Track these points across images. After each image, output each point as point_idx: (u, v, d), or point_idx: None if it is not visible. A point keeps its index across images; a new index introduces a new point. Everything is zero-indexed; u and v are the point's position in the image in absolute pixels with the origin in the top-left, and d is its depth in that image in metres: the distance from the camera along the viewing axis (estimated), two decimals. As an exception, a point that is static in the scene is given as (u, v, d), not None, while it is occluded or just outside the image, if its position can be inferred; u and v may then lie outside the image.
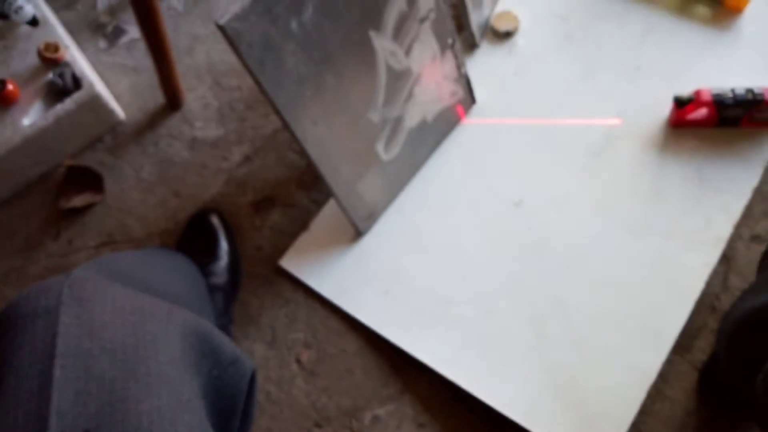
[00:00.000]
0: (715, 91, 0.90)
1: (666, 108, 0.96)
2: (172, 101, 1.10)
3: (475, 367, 0.84)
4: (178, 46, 1.17)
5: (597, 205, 0.92)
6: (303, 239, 0.96)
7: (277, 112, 0.72)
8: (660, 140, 0.95)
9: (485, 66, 1.05)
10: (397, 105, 0.88)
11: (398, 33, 0.82)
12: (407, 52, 0.85)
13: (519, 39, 1.07)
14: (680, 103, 0.92)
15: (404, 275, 0.91)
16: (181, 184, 1.04)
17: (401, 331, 0.87)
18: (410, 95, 0.89)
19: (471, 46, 1.07)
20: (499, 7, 1.10)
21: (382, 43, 0.80)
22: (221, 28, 0.62)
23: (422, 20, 0.84)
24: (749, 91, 0.89)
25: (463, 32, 1.06)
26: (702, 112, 0.92)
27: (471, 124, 1.02)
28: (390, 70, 0.83)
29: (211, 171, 1.04)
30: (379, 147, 0.89)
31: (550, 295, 0.87)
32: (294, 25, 0.69)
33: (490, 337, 0.85)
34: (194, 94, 1.12)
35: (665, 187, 0.91)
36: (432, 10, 0.85)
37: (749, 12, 1.03)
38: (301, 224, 0.97)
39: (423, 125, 0.94)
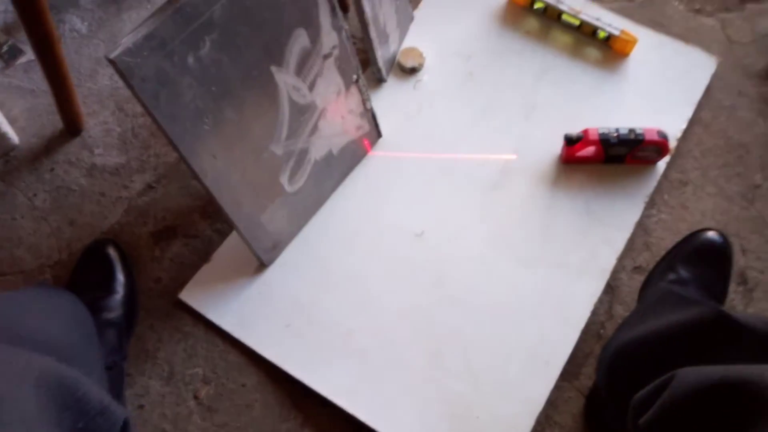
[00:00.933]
0: (602, 131, 0.97)
1: (558, 145, 1.02)
2: (71, 126, 1.06)
3: (375, 399, 0.85)
4: (80, 69, 1.13)
5: (492, 237, 0.96)
6: (204, 271, 0.94)
7: (174, 146, 0.72)
8: (552, 176, 1.00)
9: (391, 100, 1.08)
10: (302, 138, 0.89)
11: (301, 68, 0.83)
12: (311, 87, 0.86)
13: (424, 75, 1.11)
14: (570, 141, 0.98)
15: (306, 307, 0.91)
16: (77, 213, 1.00)
17: (302, 364, 0.87)
18: (315, 129, 0.90)
19: (378, 80, 1.10)
20: (406, 43, 1.13)
21: (285, 78, 0.81)
22: (112, 62, 0.61)
23: (326, 57, 0.86)
24: (632, 131, 0.97)
25: (370, 67, 1.08)
26: (590, 150, 0.99)
27: (377, 156, 1.04)
28: (293, 104, 0.84)
29: (110, 199, 1.01)
30: (284, 179, 0.89)
31: (448, 326, 0.89)
32: (191, 60, 0.68)
33: (389, 369, 0.87)
34: (96, 120, 1.08)
35: (555, 220, 0.96)
36: (336, 46, 0.87)
37: (635, 56, 1.12)
38: (203, 255, 0.96)
39: (329, 158, 0.96)
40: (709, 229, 0.90)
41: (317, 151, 0.93)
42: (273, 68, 0.79)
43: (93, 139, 1.06)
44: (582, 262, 0.93)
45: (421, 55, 1.11)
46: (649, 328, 0.74)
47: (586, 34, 1.13)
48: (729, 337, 0.64)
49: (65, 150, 1.05)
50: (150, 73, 0.65)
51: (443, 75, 1.11)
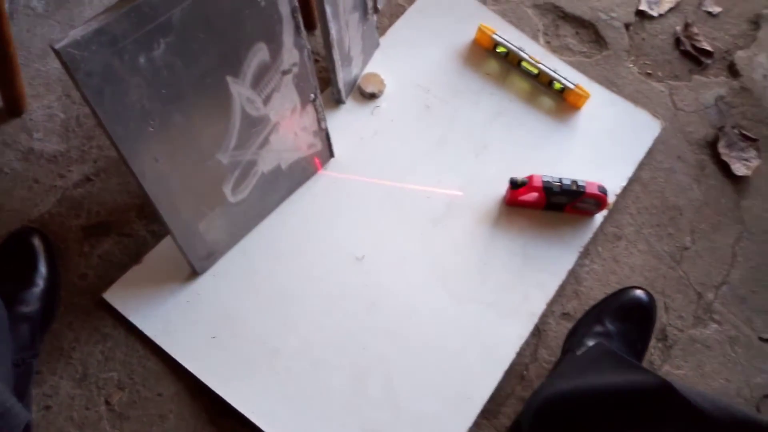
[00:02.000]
0: (546, 179, 1.00)
1: (503, 186, 1.04)
2: (12, 106, 1.02)
3: (295, 421, 0.84)
4: (30, 48, 1.09)
5: (430, 270, 0.97)
6: (133, 272, 0.92)
7: (114, 145, 0.70)
8: (494, 216, 1.02)
9: (348, 123, 1.09)
10: (251, 150, 0.88)
11: (258, 82, 0.82)
12: (266, 101, 0.85)
13: (383, 102, 1.12)
14: (514, 185, 1.00)
15: (235, 321, 0.90)
16: (6, 197, 0.96)
17: (224, 378, 0.85)
18: (266, 142, 0.90)
19: (336, 101, 1.10)
20: (369, 68, 1.14)
21: (240, 90, 0.81)
22: (57, 53, 0.59)
23: (285, 73, 0.86)
24: (574, 182, 1.00)
25: (330, 87, 1.08)
26: (533, 195, 1.01)
27: (326, 176, 1.04)
28: (246, 115, 0.84)
29: (44, 187, 0.97)
30: (227, 189, 0.88)
31: (376, 353, 0.89)
32: (142, 60, 0.67)
33: (312, 392, 0.86)
34: (39, 103, 1.05)
35: (493, 260, 0.98)
36: (296, 64, 0.86)
37: (586, 110, 1.15)
38: (134, 256, 0.93)
39: (277, 172, 0.95)
40: (637, 287, 0.93)
41: (265, 164, 0.92)
42: (228, 78, 0.78)
43: (34, 123, 1.03)
44: (513, 304, 0.95)
45: (382, 81, 1.12)
46: (587, 383, 0.75)
47: (542, 83, 1.16)
48: (674, 412, 0.63)
49: (1, 130, 1.01)
50: (96, 68, 0.63)
51: (401, 104, 1.12)
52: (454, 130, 1.11)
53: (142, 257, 0.93)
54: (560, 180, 1.00)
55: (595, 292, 1.00)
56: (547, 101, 1.16)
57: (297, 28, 0.83)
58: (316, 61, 1.16)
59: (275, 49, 0.82)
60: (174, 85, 0.72)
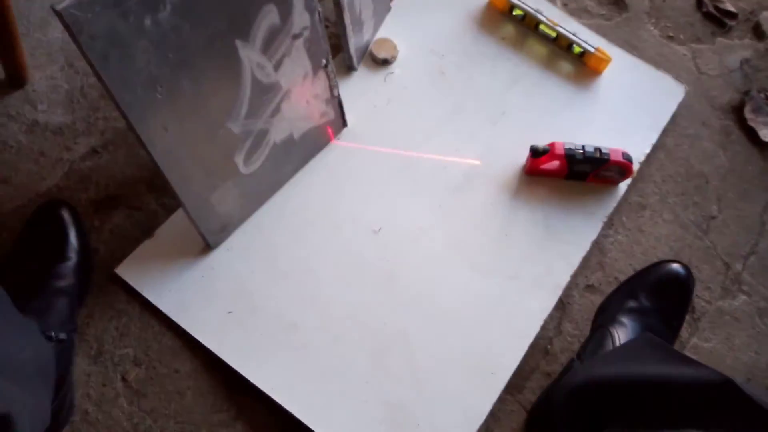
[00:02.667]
0: (568, 146, 0.96)
1: (523, 155, 1.00)
2: (14, 77, 0.99)
3: (313, 397, 0.82)
4: (29, 17, 1.06)
5: (449, 242, 0.94)
6: (145, 246, 0.89)
7: (122, 113, 0.67)
8: (514, 185, 0.99)
9: (360, 90, 1.05)
10: (262, 118, 0.85)
11: (268, 46, 0.79)
12: (277, 67, 0.82)
13: (396, 68, 1.08)
14: (535, 153, 0.96)
15: (252, 295, 0.87)
16: (12, 171, 0.93)
17: (240, 354, 0.83)
18: (277, 110, 0.86)
19: (348, 68, 1.06)
20: (380, 34, 1.10)
21: (249, 55, 0.77)
22: (58, 14, 0.56)
23: (295, 37, 0.82)
24: (597, 149, 0.96)
25: (341, 53, 1.05)
26: (554, 164, 0.98)
27: (339, 146, 1.00)
28: (256, 82, 0.80)
29: (51, 160, 0.94)
30: (239, 159, 0.85)
31: (395, 327, 0.87)
32: (148, 22, 0.63)
33: (332, 368, 0.84)
34: (42, 74, 1.01)
35: (513, 231, 0.95)
36: (307, 28, 0.83)
37: (607, 75, 1.11)
38: (145, 230, 0.91)
39: (289, 142, 0.92)
40: (674, 260, 0.90)
41: (277, 133, 0.89)
42: (238, 42, 0.75)
43: (37, 94, 0.99)
44: (536, 276, 0.92)
45: (394, 47, 1.08)
46: (634, 371, 0.71)
47: (561, 47, 1.12)
48: (735, 409, 0.58)
49: (5, 102, 0.98)
50: (100, 31, 0.59)
51: (415, 70, 1.08)
52: (471, 97, 1.07)
53: (154, 231, 0.90)
54: (583, 147, 0.96)
55: (620, 263, 0.97)
56: (566, 66, 1.12)
57: (308, -12, 0.79)
58: (326, 27, 1.11)
59: (285, 12, 0.78)
60: (182, 50, 0.69)
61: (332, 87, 0.93)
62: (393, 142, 1.01)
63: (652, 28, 1.21)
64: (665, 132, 1.08)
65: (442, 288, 0.90)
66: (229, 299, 0.87)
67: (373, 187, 0.97)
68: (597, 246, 0.97)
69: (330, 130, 0.99)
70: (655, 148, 1.06)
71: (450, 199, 0.97)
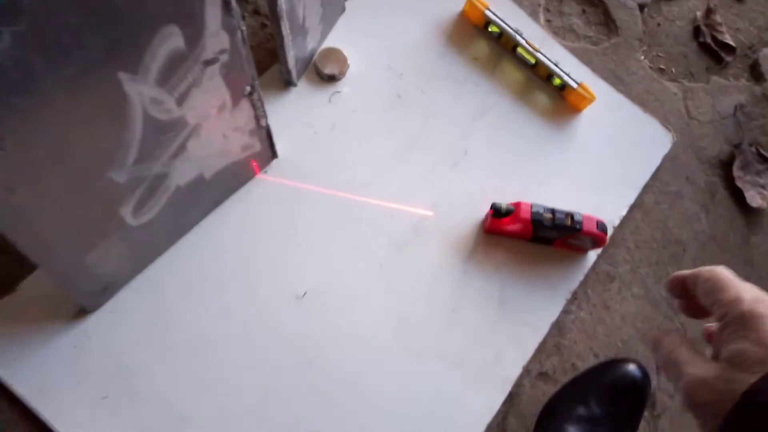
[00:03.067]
0: (535, 209, 0.81)
1: (483, 208, 0.85)
2: None
3: None
4: None
5: (386, 315, 0.78)
6: (4, 305, 0.70)
7: (-67, 179, 0.47)
8: (470, 245, 0.84)
9: (298, 112, 0.86)
10: (160, 161, 0.66)
11: (168, 77, 0.59)
12: (180, 101, 0.62)
13: (344, 86, 0.89)
14: (497, 213, 0.81)
15: (134, 376, 0.70)
16: None
17: (114, 459, 0.67)
18: (182, 150, 0.67)
19: (286, 83, 0.87)
20: (329, 41, 0.91)
21: (140, 89, 0.57)
22: None
23: (208, 63, 0.62)
24: (569, 216, 0.82)
25: (277, 65, 0.85)
26: (517, 226, 0.83)
27: (265, 181, 0.82)
28: (150, 121, 0.61)
29: None
30: (126, 211, 0.66)
31: (313, 425, 0.72)
32: (-30, 60, 0.43)
33: (228, 478, 0.69)
34: None
35: (463, 305, 0.80)
36: (224, 51, 0.63)
37: (588, 113, 0.96)
38: (5, 282, 0.71)
39: (198, 183, 0.73)
40: (631, 360, 0.77)
41: (181, 175, 0.70)
42: (122, 76, 0.55)
43: None
44: (483, 365, 0.78)
45: (344, 60, 0.89)
46: None
47: (540, 75, 0.95)
48: None
49: None
50: None
51: (367, 91, 0.90)
52: (430, 129, 0.90)
53: (17, 285, 0.71)
54: (553, 211, 0.81)
55: (580, 347, 0.84)
56: (542, 99, 0.95)
57: (226, 2, 0.59)
58: (263, 25, 0.91)
59: (193, 34, 0.58)
60: (33, 90, 0.49)
61: (258, 117, 0.75)
62: (332, 179, 0.84)
63: (642, 57, 1.05)
64: (645, 187, 0.94)
65: (373, 376, 0.75)
66: (106, 380, 0.70)
67: (302, 238, 0.80)
68: (556, 324, 0.84)
69: (254, 164, 0.80)
70: (632, 206, 0.93)
71: (393, 257, 0.81)
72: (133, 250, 0.71)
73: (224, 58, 0.64)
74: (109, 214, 0.64)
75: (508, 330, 0.80)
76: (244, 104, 0.71)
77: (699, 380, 0.37)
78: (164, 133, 0.63)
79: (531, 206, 0.81)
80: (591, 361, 0.84)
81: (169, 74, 0.59)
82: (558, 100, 0.95)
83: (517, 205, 0.82)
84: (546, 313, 0.82)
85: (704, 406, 0.36)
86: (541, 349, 0.82)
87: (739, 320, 0.37)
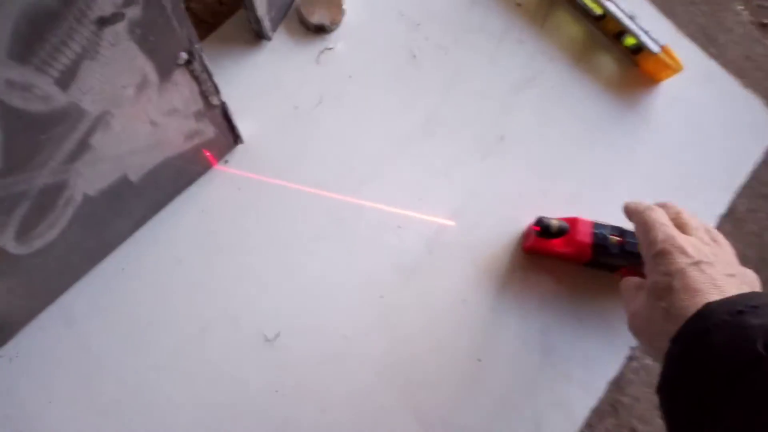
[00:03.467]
0: (598, 230, 0.59)
1: (523, 214, 0.63)
2: None
3: None
4: None
5: (389, 366, 0.58)
6: None
7: None
8: (502, 269, 0.62)
9: (273, 77, 0.63)
10: (47, 169, 0.44)
11: (31, 48, 0.36)
12: (65, 82, 0.40)
13: (338, 41, 0.65)
14: (544, 231, 0.59)
15: (37, 456, 0.51)
16: None
17: None
18: (83, 149, 0.45)
19: (256, 35, 0.63)
20: (319, -23, 0.66)
21: (-20, 68, 0.35)
22: None
23: (103, 22, 0.39)
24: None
25: (242, 10, 0.61)
26: (571, 248, 0.60)
27: (224, 174, 0.60)
28: (14, 115, 0.38)
29: None
30: (5, 239, 0.45)
31: None
32: None
33: None
34: None
35: (493, 353, 0.60)
36: (135, 3, 0.39)
37: (667, 88, 0.71)
38: None
39: (120, 188, 0.51)
40: None
41: (90, 182, 0.48)
42: (-67, 48, 0.32)
43: None
44: (515, 440, 0.58)
45: (339, 4, 0.65)
46: None
47: (607, 32, 0.70)
48: None
49: None
50: None
51: (370, 49, 0.66)
52: (453, 103, 0.66)
53: None
54: (622, 233, 0.59)
55: (643, 406, 0.64)
56: (607, 64, 0.71)
57: None
58: (227, -47, 0.66)
59: (68, -25, 0.35)
60: None
61: (206, 93, 0.52)
62: (318, 174, 0.61)
63: (741, 7, 0.79)
64: (740, 189, 0.71)
65: (365, 453, 0.56)
66: (-2, 459, 0.51)
67: (274, 255, 0.59)
68: (614, 384, 0.63)
69: (207, 154, 0.58)
70: (722, 216, 0.70)
71: (399, 285, 0.60)
72: (30, 283, 0.51)
73: (134, 12, 0.40)
74: (-28, 246, 0.43)
75: (552, 389, 0.60)
76: (180, 78, 0.48)
77: (634, 312, 0.46)
78: (44, 131, 0.41)
79: (593, 225, 0.59)
80: (657, 425, 0.64)
81: (33, 43, 0.36)
82: (629, 66, 0.71)
83: (573, 222, 0.59)
84: (603, 366, 0.61)
85: (640, 332, 0.45)
86: (591, 408, 0.62)
87: (654, 258, 0.45)
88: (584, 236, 0.58)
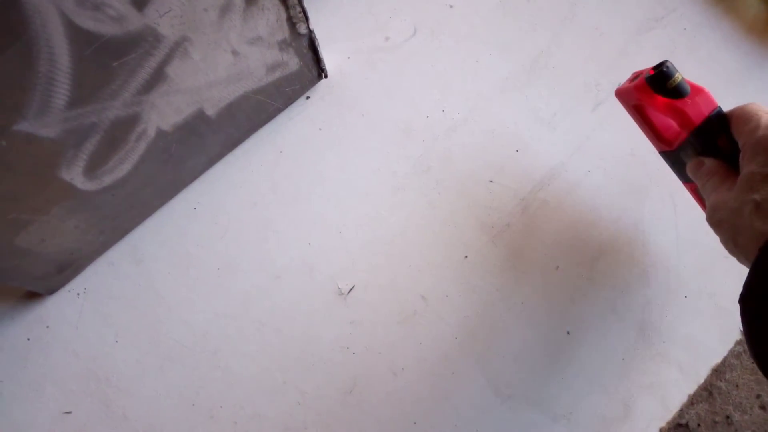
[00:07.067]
0: (717, 116, 0.45)
1: (634, 177, 0.55)
2: None
3: None
4: None
5: (468, 334, 0.53)
6: None
7: None
8: (604, 235, 0.55)
9: (363, 5, 0.56)
10: (119, 100, 0.39)
11: (104, -42, 0.31)
12: (141, 1, 0.34)
13: (438, -36, 0.57)
14: (660, 80, 0.43)
15: (108, 384, 0.50)
16: None
17: None
18: (158, 79, 0.40)
19: (346, -47, 0.56)
20: None
21: (46, -17, 0.30)
22: None
23: (188, -70, 0.33)
24: None
25: None
26: (674, 121, 0.46)
27: (308, 109, 0.55)
28: (84, 38, 0.34)
29: None
30: (71, 174, 0.41)
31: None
32: None
33: None
34: None
35: (582, 326, 0.54)
36: None
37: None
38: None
39: (196, 123, 0.47)
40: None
41: (164, 116, 0.44)
42: (-7, -43, 0.27)
43: None
44: (603, 421, 0.53)
45: None
46: None
47: (758, -37, 0.59)
48: None
49: None
50: None
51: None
52: (566, 41, 0.57)
53: (-58, 248, 0.50)
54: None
55: (742, 392, 0.57)
56: (752, 3, 0.60)
57: None
58: None
59: None
60: None
61: (294, 20, 0.45)
62: (404, 116, 0.55)
63: None
64: None
65: (448, 412, 0.52)
66: (70, 388, 0.50)
67: (351, 204, 0.54)
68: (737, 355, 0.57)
69: (289, 89, 0.53)
70: None
71: (486, 246, 0.55)
72: (99, 219, 0.48)
73: None
74: (41, 181, 0.40)
75: (648, 369, 0.54)
76: (268, 1, 0.42)
77: (718, 202, 0.40)
78: (118, 57, 0.36)
79: (716, 109, 0.44)
80: (756, 416, 0.58)
81: (106, -47, 0.31)
82: (778, 6, 0.60)
83: (697, 91, 0.44)
84: (707, 350, 0.55)
85: (721, 225, 0.39)
86: (689, 395, 0.56)
87: (754, 146, 0.38)
88: (698, 112, 0.44)
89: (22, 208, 0.40)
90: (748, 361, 0.58)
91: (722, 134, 0.43)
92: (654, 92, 0.45)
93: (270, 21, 0.43)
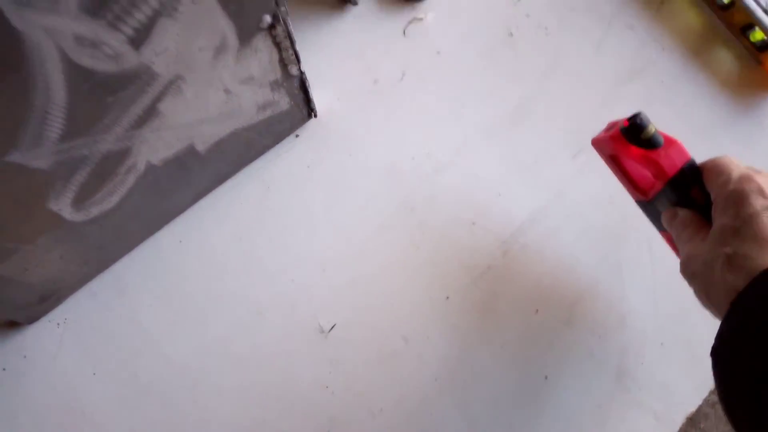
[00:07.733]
0: (690, 168, 0.45)
1: (614, 225, 0.57)
2: None
3: None
4: None
5: (448, 375, 0.53)
6: None
7: None
8: (583, 281, 0.56)
9: (354, 47, 0.58)
10: (112, 134, 0.40)
11: (107, 2, 0.32)
12: (138, 41, 0.35)
13: (428, 11, 0.59)
14: (633, 131, 0.45)
15: (86, 418, 0.49)
16: None
17: None
18: (151, 114, 0.41)
19: (342, 0, 0.58)
20: (414, -63, 0.59)
21: (49, 22, 0.31)
22: None
23: (187, -24, 0.34)
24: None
25: (329, -30, 0.56)
26: (648, 170, 0.47)
27: (295, 150, 0.56)
28: (81, 74, 0.34)
29: None
30: (60, 205, 0.42)
31: None
32: None
33: None
34: None
35: (560, 372, 0.54)
36: (221, -46, 0.35)
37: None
38: None
39: (186, 158, 0.48)
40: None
41: (155, 150, 0.45)
42: (6, 5, 0.28)
43: None
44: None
45: (433, -29, 0.58)
46: None
47: (731, 24, 0.62)
48: None
49: None
50: None
51: (462, 21, 0.60)
52: (550, 91, 0.60)
53: None
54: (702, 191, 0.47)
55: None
56: (727, 60, 0.63)
57: None
58: None
59: None
60: None
61: (286, 62, 0.47)
62: (391, 156, 0.56)
63: None
64: None
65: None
66: (47, 419, 0.49)
67: (336, 242, 0.55)
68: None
69: (279, 129, 0.54)
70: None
71: (467, 288, 0.55)
72: (85, 249, 0.48)
73: (220, -34, 0.35)
74: (29, 211, 0.40)
75: (625, 417, 0.54)
76: (261, 43, 0.43)
77: (692, 253, 0.40)
78: (113, 93, 0.37)
79: (689, 161, 0.45)
80: (731, 466, 0.58)
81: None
82: (751, 65, 0.63)
83: (669, 143, 0.45)
84: (683, 398, 0.56)
85: (695, 277, 0.40)
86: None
87: (726, 199, 0.39)
88: (677, 159, 0.45)
89: (7, 237, 0.41)
90: (721, 411, 0.59)
91: (695, 186, 0.45)
92: (628, 142, 0.46)
93: (263, 62, 0.45)
